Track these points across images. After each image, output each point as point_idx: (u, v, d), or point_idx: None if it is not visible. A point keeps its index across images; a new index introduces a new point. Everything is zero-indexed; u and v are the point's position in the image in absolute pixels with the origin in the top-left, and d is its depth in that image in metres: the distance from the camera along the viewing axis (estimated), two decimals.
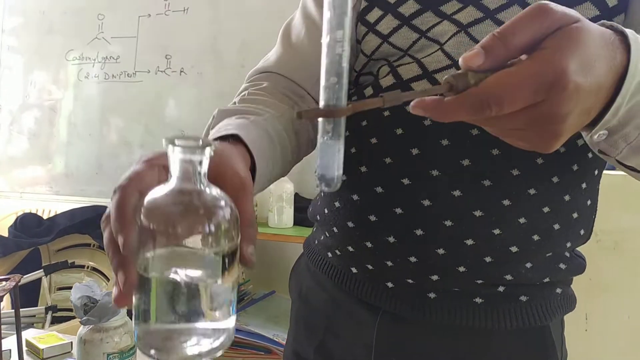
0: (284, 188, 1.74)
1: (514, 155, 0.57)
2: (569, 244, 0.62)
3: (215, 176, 0.38)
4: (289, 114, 0.64)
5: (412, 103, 0.35)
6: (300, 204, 1.80)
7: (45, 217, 2.18)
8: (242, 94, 0.67)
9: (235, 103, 0.65)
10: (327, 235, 0.70)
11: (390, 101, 0.34)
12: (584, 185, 0.62)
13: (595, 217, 0.67)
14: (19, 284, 0.58)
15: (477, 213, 0.57)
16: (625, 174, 0.53)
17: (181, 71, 2.00)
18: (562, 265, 0.63)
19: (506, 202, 0.57)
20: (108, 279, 1.75)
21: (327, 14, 0.33)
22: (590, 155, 0.61)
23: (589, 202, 0.64)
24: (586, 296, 1.50)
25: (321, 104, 0.34)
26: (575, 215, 0.61)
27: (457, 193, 0.58)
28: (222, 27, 1.95)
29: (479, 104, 0.33)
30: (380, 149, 0.62)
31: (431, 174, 0.58)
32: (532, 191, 0.58)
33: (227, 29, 1.94)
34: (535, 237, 0.59)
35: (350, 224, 0.65)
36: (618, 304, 1.46)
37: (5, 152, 2.28)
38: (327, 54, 0.34)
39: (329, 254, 0.70)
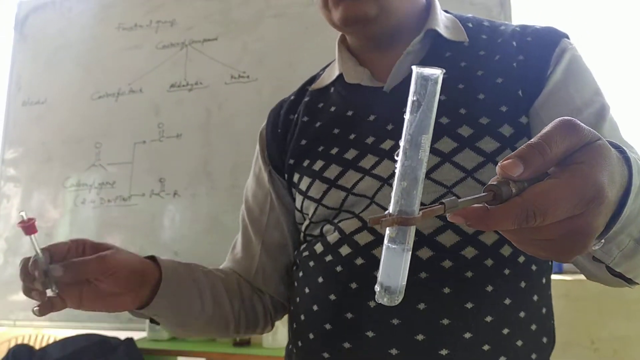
0: None
1: (464, 291, 0.61)
2: (534, 355, 0.64)
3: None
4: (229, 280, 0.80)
5: (453, 213, 0.34)
6: None
7: (38, 344, 2.14)
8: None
9: None
10: None
11: (450, 208, 0.33)
12: (535, 298, 0.65)
13: (553, 321, 0.70)
14: None
15: (443, 352, 0.60)
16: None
17: (175, 193, 2.06)
18: None
19: (467, 335, 0.61)
20: None
21: (410, 115, 0.33)
22: (534, 267, 0.65)
23: (544, 311, 0.67)
24: None
25: (392, 208, 0.33)
26: (534, 327, 0.65)
27: (393, 351, 0.61)
28: (213, 150, 2.04)
29: (525, 214, 0.33)
30: (319, 316, 0.68)
31: (367, 335, 0.62)
32: (488, 318, 0.61)
33: (218, 152, 2.02)
34: (503, 359, 0.62)
35: None
36: None
37: (1, 279, 2.29)
38: (407, 158, 0.33)
39: None
